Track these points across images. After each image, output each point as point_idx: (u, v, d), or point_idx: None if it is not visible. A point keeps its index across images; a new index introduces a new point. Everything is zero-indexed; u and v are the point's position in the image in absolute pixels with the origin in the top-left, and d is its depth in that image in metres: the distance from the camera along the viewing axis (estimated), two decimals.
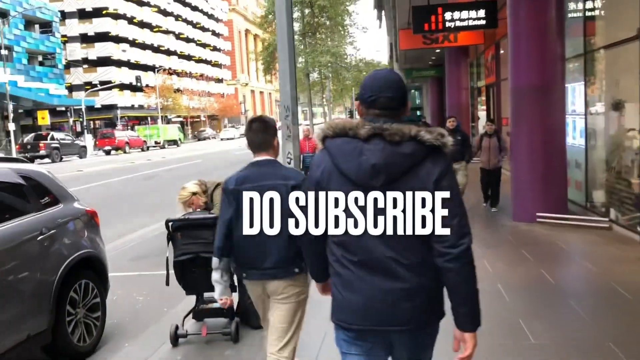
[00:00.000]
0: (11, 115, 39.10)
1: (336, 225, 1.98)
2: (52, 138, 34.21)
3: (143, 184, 17.99)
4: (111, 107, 60.83)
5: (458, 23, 11.54)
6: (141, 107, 65.27)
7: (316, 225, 2.01)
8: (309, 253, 2.28)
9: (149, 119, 64.54)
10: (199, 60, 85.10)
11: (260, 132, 3.11)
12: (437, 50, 22.78)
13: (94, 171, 23.50)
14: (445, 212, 1.92)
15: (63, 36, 59.67)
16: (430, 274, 1.99)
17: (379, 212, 1.94)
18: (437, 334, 2.16)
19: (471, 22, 11.56)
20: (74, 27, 60.91)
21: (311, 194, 2.02)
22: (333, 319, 2.14)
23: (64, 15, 60.13)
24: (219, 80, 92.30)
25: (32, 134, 35.27)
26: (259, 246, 2.91)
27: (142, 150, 45.20)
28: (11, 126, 38.69)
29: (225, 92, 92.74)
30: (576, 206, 8.69)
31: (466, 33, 14.92)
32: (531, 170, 8.03)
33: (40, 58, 51.06)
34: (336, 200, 1.97)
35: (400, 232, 1.94)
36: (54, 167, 27.57)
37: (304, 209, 2.04)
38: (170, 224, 4.27)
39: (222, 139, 64.95)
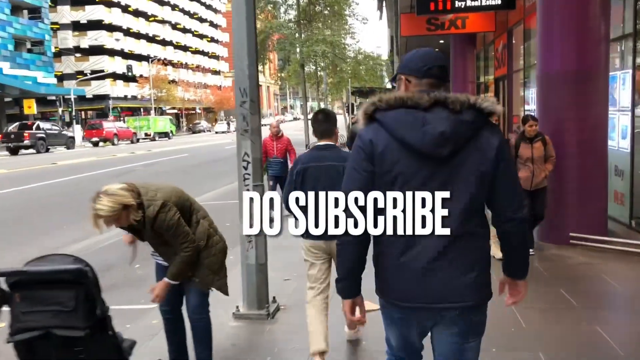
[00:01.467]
0: None
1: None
2: (38, 128, 32.49)
3: (108, 183, 16.27)
4: (103, 98, 59.10)
5: (469, 2, 9.89)
6: (134, 98, 63.56)
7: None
8: (354, 253, 2.03)
9: (141, 110, 62.84)
10: (196, 52, 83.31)
11: (324, 122, 3.69)
12: (441, 41, 21.18)
13: (68, 165, 21.83)
14: (510, 180, 2.00)
15: (54, 23, 57.94)
16: (481, 245, 2.02)
17: (439, 182, 1.94)
18: (485, 319, 2.10)
19: (484, 2, 9.91)
20: (66, 14, 59.06)
21: (364, 164, 2.00)
22: (383, 297, 2.10)
23: (56, 2, 58.36)
24: (216, 72, 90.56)
25: (17, 123, 33.54)
26: None
27: (132, 142, 43.51)
28: None
29: (223, 85, 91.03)
30: (617, 224, 7.03)
31: (475, 19, 13.31)
32: (563, 179, 6.38)
33: (28, 45, 49.26)
34: (391, 171, 1.96)
35: (459, 202, 1.93)
36: (32, 159, 25.95)
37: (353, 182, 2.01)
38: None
39: (216, 132, 63.40)
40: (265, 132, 7.67)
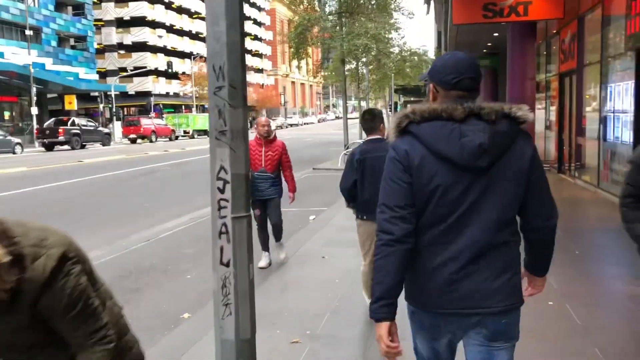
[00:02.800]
0: (34, 99, 37.34)
1: (426, 208, 1.95)
2: (73, 124, 32.05)
3: (127, 184, 15.16)
4: (145, 94, 59.02)
5: None
6: (177, 95, 63.35)
7: (412, 211, 1.96)
8: (397, 252, 1.94)
9: (183, 107, 62.50)
10: None
11: (370, 121, 4.45)
12: (496, 34, 19.27)
13: (93, 163, 20.92)
14: (543, 189, 2.00)
15: (98, 20, 58.16)
16: (513, 253, 2.00)
17: (477, 194, 1.92)
18: (518, 324, 2.06)
19: None
20: (110, 10, 59.21)
21: (402, 176, 1.96)
22: (412, 303, 2.06)
23: None
24: (259, 70, 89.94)
25: (53, 119, 33.24)
26: (374, 196, 2.38)
27: (170, 139, 42.93)
28: (33, 110, 36.92)
29: (265, 83, 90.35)
30: None
31: (540, 4, 11.53)
32: None
33: (72, 41, 49.36)
34: (429, 183, 1.93)
35: (494, 212, 1.93)
36: (63, 156, 25.27)
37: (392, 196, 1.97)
38: None
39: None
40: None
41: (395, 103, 46.30)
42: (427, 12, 38.02)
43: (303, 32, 20.90)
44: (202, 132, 50.00)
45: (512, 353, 2.07)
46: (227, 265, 2.20)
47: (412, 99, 49.03)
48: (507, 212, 1.95)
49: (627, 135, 8.71)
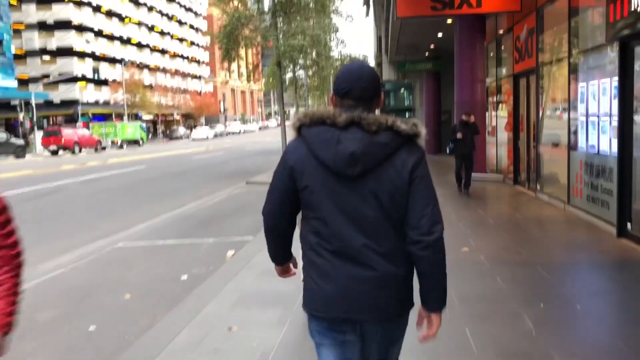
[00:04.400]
0: None
1: (310, 210, 2.01)
2: None
3: (18, 208, 12.79)
4: (72, 103, 55.29)
5: None
6: (107, 103, 59.77)
7: (286, 210, 2.09)
8: (273, 237, 2.21)
9: (113, 116, 59.01)
10: (175, 56, 79.69)
11: None
12: (439, 34, 17.97)
13: None
14: (419, 200, 1.96)
15: (18, 23, 54.14)
16: (403, 262, 2.00)
17: (354, 200, 1.95)
18: (406, 326, 2.14)
19: None
20: (32, 13, 55.28)
21: (285, 177, 2.04)
22: (306, 309, 2.08)
23: (20, 0, 54.57)
24: (197, 77, 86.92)
25: None
26: None
27: (96, 150, 39.92)
28: None
29: (204, 90, 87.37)
30: None
31: None
32: None
33: None
34: (310, 186, 1.99)
35: (374, 220, 1.95)
36: None
37: (273, 193, 2.09)
38: None
39: (193, 139, 59.79)
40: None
41: None
42: (367, 14, 36.83)
43: (232, 32, 18.96)
44: (133, 142, 47.19)
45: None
46: None
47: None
48: (388, 221, 1.96)
49: (607, 144, 7.27)
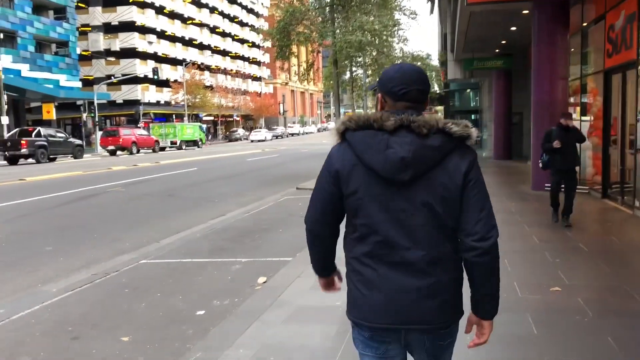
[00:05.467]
0: (4, 107, 34.43)
1: (356, 217, 1.93)
2: (39, 135, 29.00)
3: (50, 213, 12.13)
4: (134, 103, 56.16)
5: None
6: (167, 103, 60.40)
7: (330, 217, 2.01)
8: (315, 245, 2.13)
9: (174, 116, 59.54)
10: (236, 57, 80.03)
11: None
12: (513, 28, 16.21)
13: (36, 182, 17.79)
14: (474, 205, 1.87)
15: (85, 25, 55.46)
16: (453, 270, 1.92)
17: (404, 206, 1.87)
18: (456, 337, 2.03)
19: None
20: (97, 15, 56.47)
21: (329, 183, 1.95)
22: (350, 317, 2.00)
23: (87, 3, 55.86)
24: (257, 79, 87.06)
25: (17, 130, 30.20)
26: None
27: (154, 150, 39.97)
28: (4, 119, 33.97)
29: (263, 91, 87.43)
30: None
31: None
32: None
33: (54, 47, 46.51)
34: (357, 191, 1.90)
35: (424, 227, 1.87)
36: (20, 171, 22.20)
37: (316, 199, 2.01)
38: None
39: (252, 141, 59.77)
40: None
41: None
42: (432, 12, 35.05)
43: (286, 28, 17.88)
44: (191, 143, 47.19)
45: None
46: None
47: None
48: (441, 227, 1.87)
49: None
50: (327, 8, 18.95)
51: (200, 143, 47.97)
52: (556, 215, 8.31)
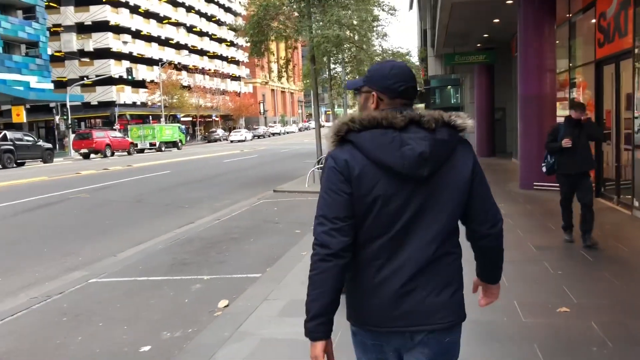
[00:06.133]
0: None
1: (366, 218, 1.81)
2: (5, 139, 27.76)
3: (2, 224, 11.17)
4: (109, 104, 54.76)
5: None
6: (144, 104, 59.06)
7: (352, 231, 1.81)
8: (330, 274, 1.78)
9: (150, 117, 58.27)
10: (214, 56, 78.80)
11: None
12: (496, 20, 15.58)
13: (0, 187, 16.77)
14: (484, 196, 1.92)
15: (57, 25, 53.94)
16: (456, 265, 1.90)
17: (418, 204, 1.82)
18: (459, 342, 1.93)
19: None
20: (70, 15, 54.95)
21: (342, 182, 1.80)
22: (350, 320, 1.92)
23: (59, 2, 54.35)
24: (236, 78, 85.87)
25: None
26: None
27: (129, 153, 38.85)
28: None
29: (243, 91, 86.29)
30: None
31: None
32: None
33: (23, 48, 45.03)
34: (369, 193, 1.80)
35: (437, 222, 1.83)
36: None
37: (333, 211, 1.80)
38: None
39: (231, 141, 58.74)
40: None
41: None
42: (410, 7, 34.48)
43: (260, 22, 17.05)
44: (171, 144, 46.10)
45: None
46: None
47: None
48: (450, 222, 1.87)
49: None
50: (303, 3, 18.12)
51: (180, 144, 46.91)
52: (570, 234, 6.66)
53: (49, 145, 31.94)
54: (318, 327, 1.77)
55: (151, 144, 43.57)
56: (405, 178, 1.79)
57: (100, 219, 10.84)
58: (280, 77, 21.06)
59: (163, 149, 44.26)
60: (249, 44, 18.81)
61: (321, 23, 16.95)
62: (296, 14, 18.61)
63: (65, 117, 41.72)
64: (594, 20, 10.01)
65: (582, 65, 11.09)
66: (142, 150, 42.66)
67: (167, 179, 18.24)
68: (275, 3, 17.15)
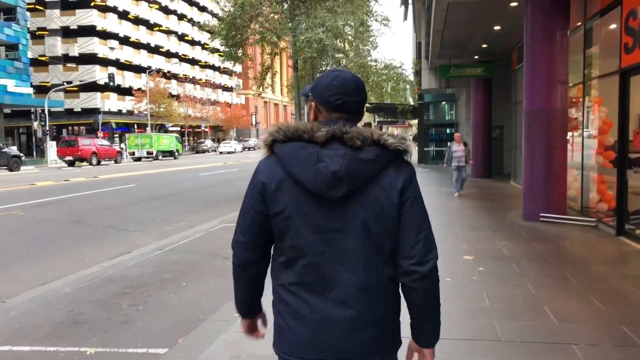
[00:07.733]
0: None
1: (284, 238, 1.74)
2: None
3: None
4: (93, 111, 52.91)
5: None
6: (130, 112, 57.23)
7: (261, 239, 1.79)
8: (244, 276, 1.84)
9: (135, 126, 56.44)
10: (206, 66, 77.14)
11: None
12: (496, 27, 13.92)
13: None
14: (411, 225, 1.72)
15: (42, 29, 52.27)
16: (390, 297, 1.77)
17: (336, 226, 1.69)
18: None
19: None
20: (55, 18, 53.26)
21: (257, 201, 1.75)
22: (276, 350, 1.84)
23: (44, 5, 52.71)
24: (228, 89, 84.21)
25: None
26: None
27: (116, 162, 37.41)
28: None
29: (235, 102, 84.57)
30: None
31: None
32: None
33: (3, 50, 43.26)
34: (284, 210, 1.71)
35: (357, 249, 1.70)
36: None
37: (244, 220, 1.79)
38: None
39: (220, 152, 57.19)
40: None
41: (369, 123, 40.96)
42: (405, 18, 32.93)
43: (234, 22, 15.36)
44: (168, 153, 45.50)
45: None
46: None
47: (388, 119, 43.82)
48: (372, 249, 1.70)
49: None
50: (286, 4, 16.46)
51: (177, 154, 46.50)
52: None
53: (17, 153, 30.09)
54: (241, 311, 1.92)
55: (148, 153, 43.49)
56: (319, 197, 1.67)
57: (19, 244, 8.98)
58: (259, 86, 19.39)
59: (160, 157, 44.24)
60: (223, 48, 17.13)
61: (303, 25, 15.28)
62: (276, 16, 16.95)
63: (42, 124, 39.85)
64: (614, 26, 8.32)
65: (602, 77, 9.39)
66: (139, 159, 42.92)
67: (126, 194, 16.37)
68: (252, 2, 15.47)
